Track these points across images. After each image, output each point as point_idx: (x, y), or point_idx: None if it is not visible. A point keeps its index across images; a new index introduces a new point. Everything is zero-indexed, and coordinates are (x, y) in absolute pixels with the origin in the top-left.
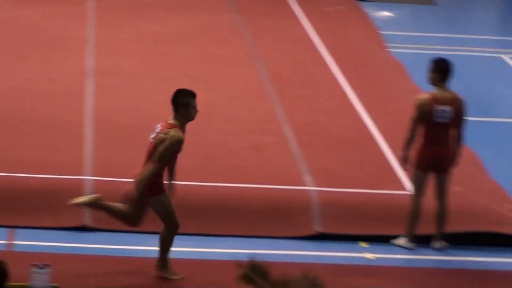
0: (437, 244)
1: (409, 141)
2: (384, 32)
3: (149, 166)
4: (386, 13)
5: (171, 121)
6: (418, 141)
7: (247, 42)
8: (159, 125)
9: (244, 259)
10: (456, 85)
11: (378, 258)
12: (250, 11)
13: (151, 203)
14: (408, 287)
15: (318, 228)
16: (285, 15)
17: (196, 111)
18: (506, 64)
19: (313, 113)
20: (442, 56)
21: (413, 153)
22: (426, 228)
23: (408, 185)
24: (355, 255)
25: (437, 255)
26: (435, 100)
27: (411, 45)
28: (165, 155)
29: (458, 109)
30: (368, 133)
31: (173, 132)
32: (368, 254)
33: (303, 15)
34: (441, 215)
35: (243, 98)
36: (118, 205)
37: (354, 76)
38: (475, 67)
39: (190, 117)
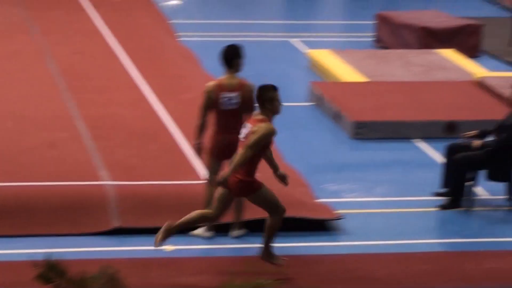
0: (235, 232)
1: (200, 129)
2: (173, 21)
3: (240, 152)
4: (174, 2)
5: (259, 116)
6: (210, 128)
7: (36, 37)
8: (247, 124)
9: (41, 258)
10: (247, 71)
11: (177, 250)
12: (37, 5)
13: (251, 200)
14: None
15: (116, 223)
16: (74, 7)
17: (280, 104)
18: (294, 47)
19: (107, 107)
20: (232, 43)
21: (206, 141)
22: (224, 216)
23: (204, 173)
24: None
25: (236, 243)
26: (221, 87)
27: (200, 33)
28: (257, 143)
29: (245, 95)
30: (162, 124)
31: (265, 125)
32: (167, 246)
33: (92, 7)
34: (238, 202)
35: (33, 95)
36: (189, 215)
37: (146, 67)
38: (265, 52)
39: (276, 111)
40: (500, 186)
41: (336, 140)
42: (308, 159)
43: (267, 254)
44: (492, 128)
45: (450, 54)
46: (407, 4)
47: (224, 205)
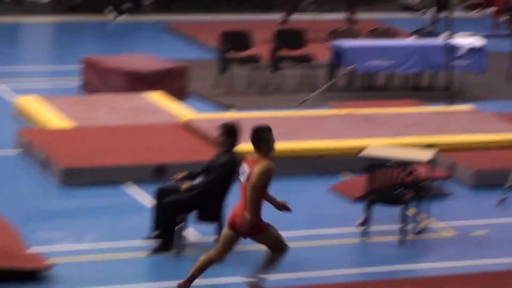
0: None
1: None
2: None
3: (249, 196)
4: None
5: (256, 156)
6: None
7: None
8: (244, 165)
9: None
10: None
11: None
12: None
13: (259, 240)
14: None
15: None
16: None
17: (274, 142)
18: None
19: None
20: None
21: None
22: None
23: None
24: None
25: None
26: None
27: None
28: (261, 184)
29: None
30: None
31: (265, 163)
32: None
33: None
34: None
35: None
36: (198, 263)
37: None
38: None
39: (271, 149)
40: (211, 227)
41: (46, 188)
42: (17, 208)
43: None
44: (201, 169)
45: (158, 97)
46: (114, 49)
47: (230, 246)
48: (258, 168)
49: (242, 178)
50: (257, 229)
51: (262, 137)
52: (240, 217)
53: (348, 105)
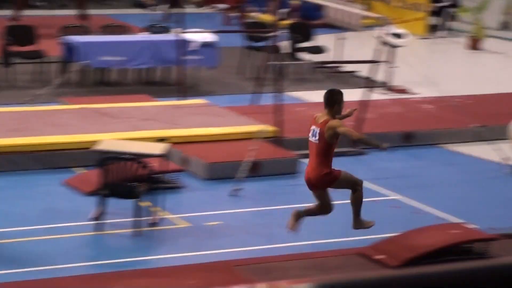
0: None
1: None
2: None
3: (348, 130)
4: None
5: (325, 117)
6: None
7: None
8: (313, 127)
9: None
10: None
11: None
12: None
13: (335, 186)
14: None
15: None
16: None
17: (344, 105)
18: None
19: None
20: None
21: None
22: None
23: None
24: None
25: None
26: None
27: None
28: (336, 134)
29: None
30: None
31: (335, 121)
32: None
33: None
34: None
35: None
36: (310, 206)
37: None
38: None
39: (340, 112)
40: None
41: None
42: None
43: (359, 222)
44: None
45: None
46: None
47: (327, 198)
48: (333, 123)
49: (313, 138)
50: (334, 178)
51: (337, 98)
52: (313, 173)
53: (81, 101)
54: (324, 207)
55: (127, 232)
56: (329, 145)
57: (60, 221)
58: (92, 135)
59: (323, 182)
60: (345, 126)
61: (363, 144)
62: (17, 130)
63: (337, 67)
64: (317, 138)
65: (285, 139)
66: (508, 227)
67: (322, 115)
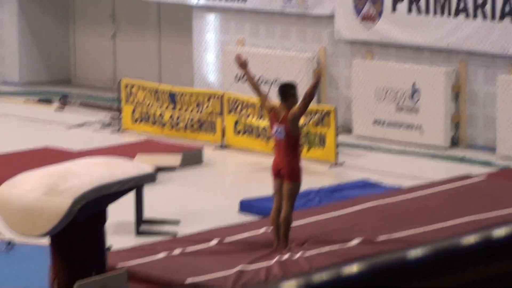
0: None
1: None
2: None
3: (303, 99)
4: None
5: (283, 112)
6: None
7: None
8: (275, 126)
9: None
10: None
11: None
12: None
13: (290, 187)
14: None
15: None
16: None
17: (298, 97)
18: None
19: None
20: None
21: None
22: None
23: None
24: None
25: None
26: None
27: None
28: (296, 110)
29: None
30: None
31: (293, 110)
32: None
33: None
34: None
35: None
36: (282, 227)
37: None
38: None
39: (295, 104)
40: None
41: None
42: None
43: (285, 244)
44: None
45: None
46: None
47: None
48: (290, 115)
49: (279, 136)
50: (297, 176)
51: (291, 92)
52: (283, 163)
53: None
54: (290, 205)
55: None
56: (296, 138)
57: None
58: None
59: (292, 171)
60: (296, 107)
61: (314, 90)
62: None
63: None
64: (283, 135)
65: None
66: None
67: (279, 110)
